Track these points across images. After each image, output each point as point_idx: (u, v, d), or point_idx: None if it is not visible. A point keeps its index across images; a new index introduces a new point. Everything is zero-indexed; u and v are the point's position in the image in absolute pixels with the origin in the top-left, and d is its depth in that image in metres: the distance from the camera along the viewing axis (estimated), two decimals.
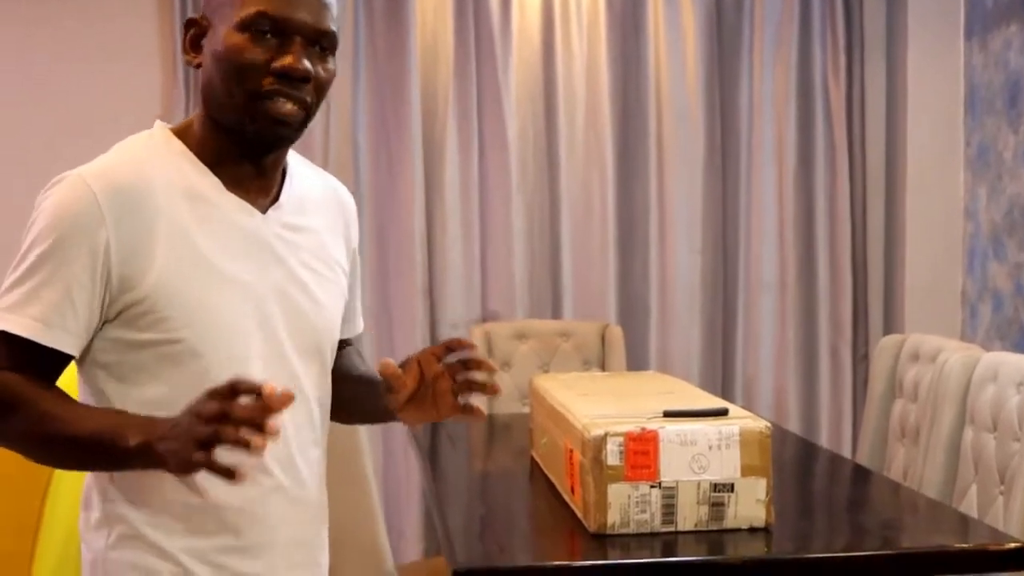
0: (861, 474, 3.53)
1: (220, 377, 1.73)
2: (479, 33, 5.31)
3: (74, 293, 1.77)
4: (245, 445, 1.55)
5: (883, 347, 4.36)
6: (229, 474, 1.57)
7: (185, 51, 1.90)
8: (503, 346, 5.16)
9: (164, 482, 1.78)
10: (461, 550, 2.67)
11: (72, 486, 3.12)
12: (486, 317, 5.37)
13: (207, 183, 1.87)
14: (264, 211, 1.91)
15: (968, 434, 3.64)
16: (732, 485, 2.63)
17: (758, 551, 2.59)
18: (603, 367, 5.15)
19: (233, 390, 1.60)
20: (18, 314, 1.77)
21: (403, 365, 1.99)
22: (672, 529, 2.63)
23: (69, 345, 1.79)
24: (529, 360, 5.17)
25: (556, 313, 5.42)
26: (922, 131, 5.40)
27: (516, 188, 5.33)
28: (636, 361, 5.41)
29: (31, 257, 1.78)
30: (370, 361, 5.17)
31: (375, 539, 3.18)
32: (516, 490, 3.36)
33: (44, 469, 2.90)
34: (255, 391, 1.59)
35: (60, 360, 1.81)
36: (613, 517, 2.61)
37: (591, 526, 2.63)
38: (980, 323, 5.25)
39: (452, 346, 1.98)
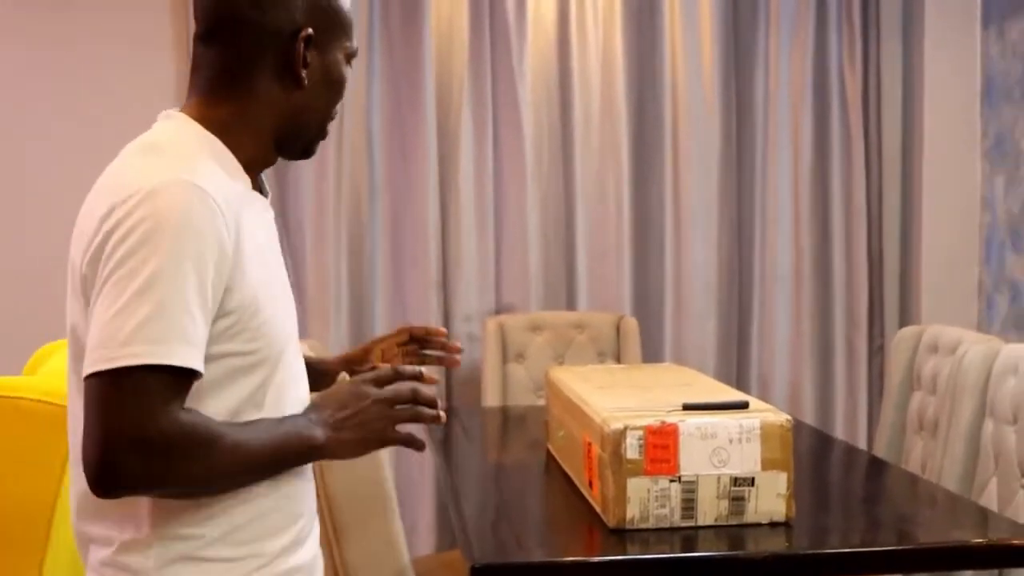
0: (879, 467, 3.50)
1: (276, 381, 1.83)
2: (494, 22, 5.28)
3: (210, 312, 1.70)
4: (436, 420, 1.89)
5: (901, 338, 4.33)
6: (422, 446, 1.90)
7: (303, 65, 1.87)
8: (517, 338, 5.14)
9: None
10: (478, 545, 2.65)
11: None
12: (500, 309, 5.34)
13: (246, 183, 1.87)
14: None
15: (988, 427, 3.61)
16: (753, 479, 2.61)
17: (779, 546, 2.57)
18: (618, 359, 5.13)
19: (397, 374, 1.89)
20: (175, 342, 1.64)
21: (366, 350, 2.36)
22: (692, 524, 2.60)
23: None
24: (543, 352, 5.15)
25: (571, 305, 5.39)
26: (939, 121, 5.36)
27: (531, 179, 5.30)
28: (651, 353, 5.39)
29: (170, 274, 1.64)
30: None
31: (391, 533, 3.16)
32: (532, 484, 3.34)
33: (49, 492, 2.86)
34: (416, 376, 1.90)
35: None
36: (632, 512, 2.58)
37: (610, 521, 2.61)
38: (997, 314, 5.22)
39: (416, 333, 2.36)
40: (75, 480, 1.81)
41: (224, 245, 1.69)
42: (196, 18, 1.89)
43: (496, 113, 5.32)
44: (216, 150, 1.82)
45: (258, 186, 1.94)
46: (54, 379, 2.84)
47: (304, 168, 5.12)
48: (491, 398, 5.02)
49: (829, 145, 5.46)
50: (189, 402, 1.70)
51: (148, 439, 1.62)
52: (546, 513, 3.05)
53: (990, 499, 3.51)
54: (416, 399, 1.88)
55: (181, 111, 1.87)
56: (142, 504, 1.74)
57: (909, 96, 5.52)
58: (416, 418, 1.88)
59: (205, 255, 1.66)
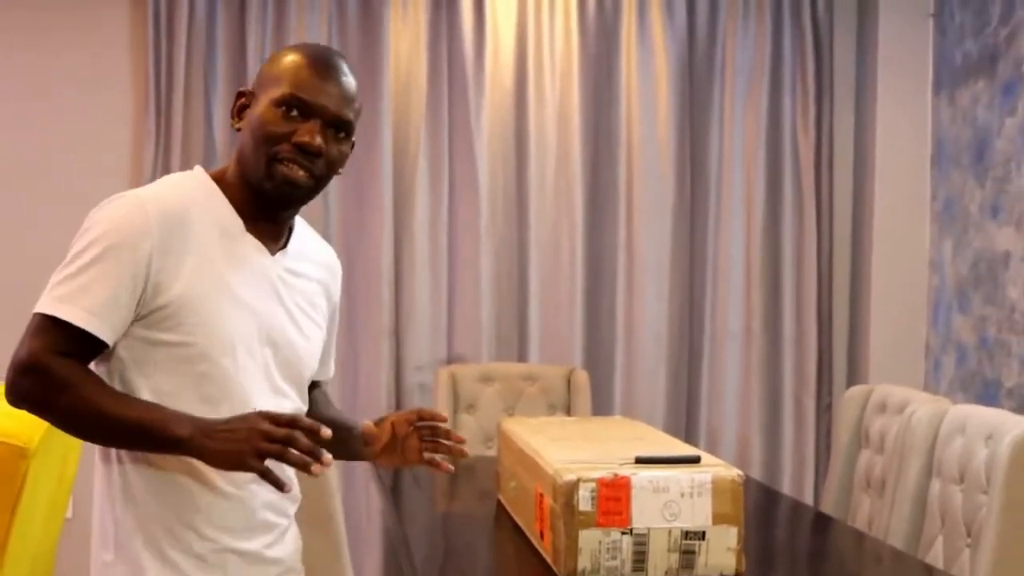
0: (826, 523, 3.53)
1: (220, 378, 2.14)
2: (452, 76, 5.33)
3: (120, 292, 2.06)
4: (305, 469, 1.99)
5: (850, 397, 4.37)
6: (280, 485, 2.01)
7: (232, 117, 2.25)
8: (468, 388, 5.15)
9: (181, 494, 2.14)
10: None
11: (46, 503, 3.08)
12: (452, 359, 5.35)
13: (234, 222, 2.21)
14: (273, 254, 2.26)
15: (935, 486, 3.65)
16: (703, 533, 2.62)
17: None
18: (568, 411, 5.14)
19: (292, 423, 2.00)
20: (72, 304, 2.04)
21: (378, 423, 2.51)
22: None
23: (109, 336, 2.07)
24: (494, 403, 5.16)
25: (522, 356, 5.41)
26: (889, 183, 5.44)
27: (485, 231, 5.33)
28: (601, 406, 5.41)
29: (85, 257, 2.06)
30: (338, 400, 5.12)
31: None
32: (483, 534, 3.34)
33: (14, 485, 2.86)
34: (312, 430, 2.00)
35: (98, 348, 2.08)
36: (583, 563, 2.59)
37: (561, 572, 2.62)
38: (943, 375, 5.28)
39: (423, 415, 2.48)
40: None
41: (144, 245, 2.07)
42: None
43: (452, 165, 5.35)
44: (207, 192, 2.21)
45: (267, 235, 2.26)
46: (7, 419, 2.83)
47: None
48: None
49: (781, 205, 5.53)
50: (135, 375, 2.12)
51: (29, 365, 2.04)
52: (497, 563, 3.05)
53: (936, 558, 3.54)
54: (289, 441, 2.00)
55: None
56: (105, 521, 2.17)
57: (860, 159, 5.60)
58: (282, 458, 2.00)
59: (121, 247, 2.06)
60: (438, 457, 2.51)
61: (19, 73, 5.22)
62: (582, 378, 5.18)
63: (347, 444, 2.51)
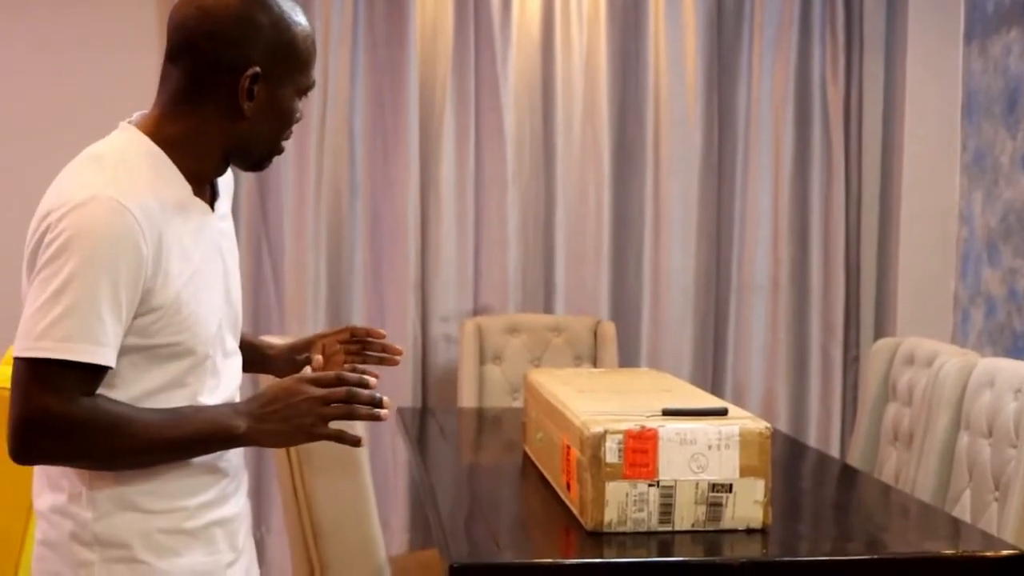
0: (852, 476, 3.52)
1: (200, 366, 2.03)
2: (479, 25, 5.29)
3: (125, 312, 1.89)
4: (375, 418, 1.99)
5: (877, 350, 4.35)
6: (358, 442, 2.04)
7: (246, 99, 2.02)
8: (494, 340, 5.15)
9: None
10: (456, 545, 2.65)
11: None
12: (478, 310, 5.35)
13: (184, 191, 2.04)
14: (212, 207, 2.12)
15: (963, 439, 3.64)
16: (731, 485, 2.62)
17: (755, 552, 2.58)
18: (595, 363, 5.14)
19: (339, 380, 1.99)
20: (86, 342, 1.85)
21: (309, 343, 2.45)
22: (669, 528, 2.61)
23: (115, 360, 1.91)
24: (520, 354, 5.16)
25: (548, 308, 5.40)
26: (919, 134, 5.39)
27: (512, 182, 5.31)
28: (627, 358, 5.40)
29: (83, 282, 1.85)
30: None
31: (368, 531, 3.16)
32: (509, 485, 3.35)
33: (28, 487, 2.87)
34: (362, 384, 1.99)
35: (104, 373, 1.92)
36: (610, 515, 2.59)
37: (588, 523, 2.62)
38: (972, 328, 5.25)
39: (356, 333, 2.45)
40: None
41: (140, 254, 1.89)
42: (167, 37, 2.09)
43: (478, 116, 5.32)
44: (157, 163, 2.01)
45: (204, 192, 2.10)
46: None
47: (285, 165, 5.13)
48: (467, 399, 5.02)
49: (810, 156, 5.49)
50: (116, 381, 1.94)
51: (51, 421, 1.86)
52: (523, 514, 3.06)
53: (963, 511, 3.54)
54: (351, 399, 1.99)
55: (143, 119, 2.08)
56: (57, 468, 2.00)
57: (890, 110, 5.55)
58: (350, 415, 1.99)
59: (118, 263, 1.87)
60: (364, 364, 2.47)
61: (46, 33, 5.18)
62: (609, 329, 5.17)
63: (254, 359, 2.45)
